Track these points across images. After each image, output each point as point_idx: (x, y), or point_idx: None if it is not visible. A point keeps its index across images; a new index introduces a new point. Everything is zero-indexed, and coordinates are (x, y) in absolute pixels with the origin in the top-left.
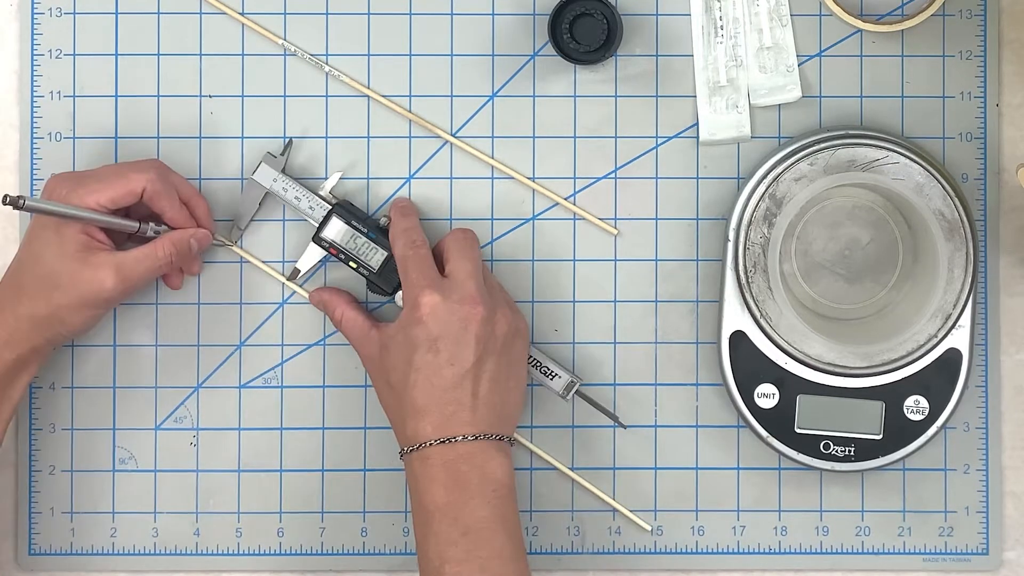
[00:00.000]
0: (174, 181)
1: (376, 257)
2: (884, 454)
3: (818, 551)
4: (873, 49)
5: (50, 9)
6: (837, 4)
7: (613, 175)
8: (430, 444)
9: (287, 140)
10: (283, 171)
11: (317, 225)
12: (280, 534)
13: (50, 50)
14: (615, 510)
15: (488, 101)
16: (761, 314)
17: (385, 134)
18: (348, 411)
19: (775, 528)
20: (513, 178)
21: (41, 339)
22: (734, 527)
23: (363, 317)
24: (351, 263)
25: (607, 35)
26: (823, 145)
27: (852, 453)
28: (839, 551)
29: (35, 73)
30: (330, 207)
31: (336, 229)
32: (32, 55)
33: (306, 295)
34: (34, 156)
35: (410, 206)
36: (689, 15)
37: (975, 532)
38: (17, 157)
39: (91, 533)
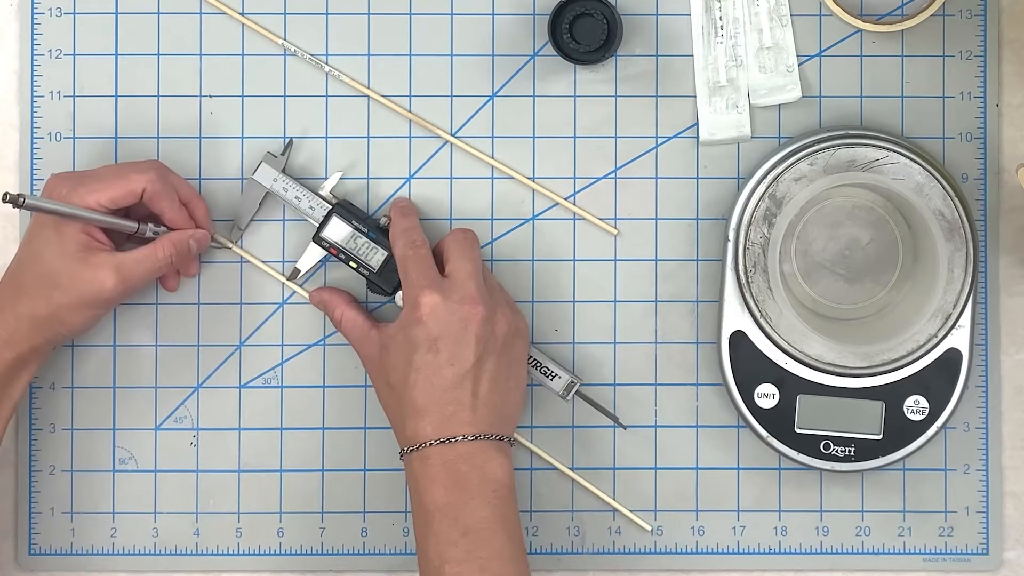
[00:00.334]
0: (174, 182)
1: (376, 257)
2: (884, 454)
3: (818, 551)
4: (873, 49)
5: (50, 9)
6: (837, 4)
7: (613, 175)
8: (430, 444)
9: (287, 140)
10: (283, 171)
11: (317, 225)
12: (280, 534)
13: (50, 50)
14: (615, 510)
15: (488, 101)
16: (761, 314)
17: (385, 134)
18: (348, 411)
19: (775, 528)
20: (513, 178)
21: (41, 339)
22: (734, 527)
23: (363, 317)
24: (351, 263)
25: (607, 35)
26: (823, 145)
27: (852, 453)
28: (839, 551)
29: (35, 73)
30: (330, 207)
31: (336, 229)
32: (32, 55)
33: (306, 295)
34: (34, 156)
35: (410, 206)
36: (689, 15)
37: (975, 532)
38: (17, 157)
39: (91, 533)
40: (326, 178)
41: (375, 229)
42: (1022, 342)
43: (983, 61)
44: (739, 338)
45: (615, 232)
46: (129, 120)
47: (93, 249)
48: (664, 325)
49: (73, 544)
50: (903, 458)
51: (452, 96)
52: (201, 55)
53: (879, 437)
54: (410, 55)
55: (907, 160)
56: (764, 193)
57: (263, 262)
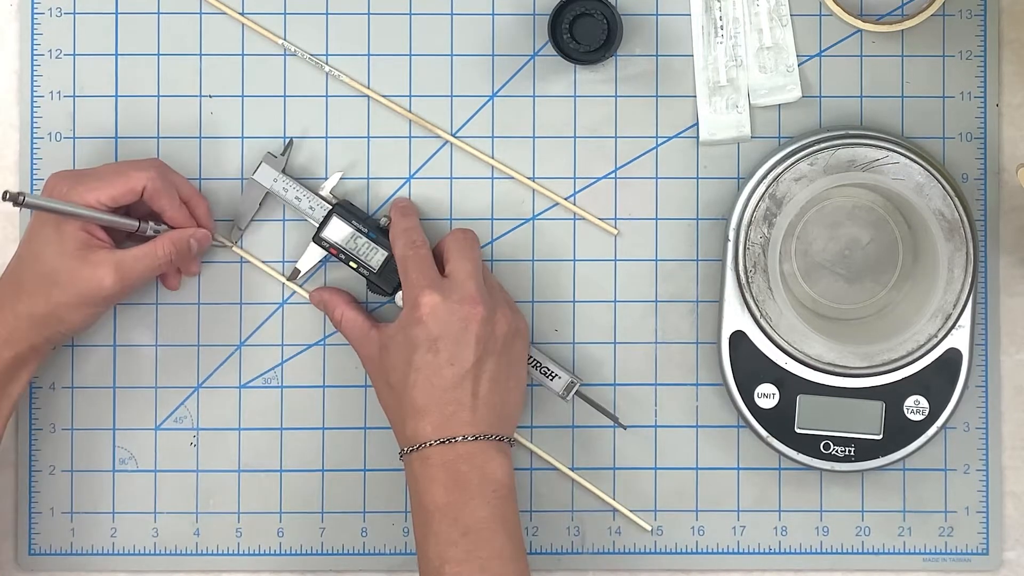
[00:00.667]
0: (174, 180)
1: (376, 257)
2: (884, 454)
3: (818, 551)
4: (873, 49)
5: (50, 9)
6: (837, 4)
7: (613, 175)
8: (430, 444)
9: (287, 140)
10: (283, 171)
11: (317, 225)
12: (280, 534)
13: (50, 50)
14: (615, 510)
15: (488, 101)
16: (761, 314)
17: (385, 134)
18: (348, 411)
19: (775, 528)
20: (513, 178)
21: (40, 337)
22: (734, 527)
23: (363, 317)
24: (351, 263)
25: (607, 35)
26: (823, 145)
27: (852, 453)
28: (839, 551)
29: (35, 73)
30: (330, 207)
31: (336, 229)
32: (32, 55)
33: (306, 295)
34: (34, 156)
35: (410, 206)
36: (689, 15)
37: (975, 532)
38: (17, 157)
39: (91, 533)
40: (326, 178)
41: (375, 229)
42: (1022, 342)
43: (983, 61)
44: (739, 338)
45: (615, 232)
46: (129, 120)
47: (92, 247)
48: (664, 325)
49: (73, 544)
50: (903, 458)
51: (452, 96)
52: (201, 55)
53: (879, 437)
54: (410, 55)
55: (907, 160)
56: (764, 193)
57: (263, 262)
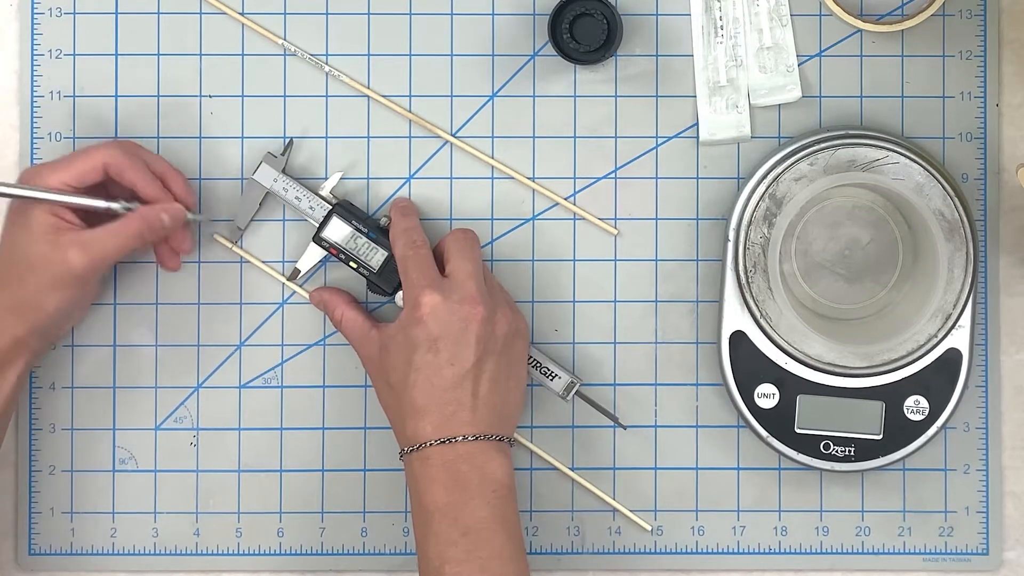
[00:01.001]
0: (143, 156)
1: (376, 257)
2: (884, 454)
3: (818, 551)
4: (873, 49)
5: (50, 9)
6: (837, 4)
7: (613, 175)
8: (430, 444)
9: (287, 140)
10: (283, 171)
11: (317, 225)
12: (280, 534)
13: (50, 50)
14: (615, 510)
15: (488, 101)
16: (761, 314)
17: (385, 134)
18: (348, 411)
19: (775, 528)
20: (513, 178)
21: (22, 329)
22: (734, 527)
23: (363, 317)
24: (351, 263)
25: (607, 35)
26: (823, 145)
27: (852, 453)
28: (839, 551)
29: (35, 73)
30: (330, 207)
31: (336, 229)
32: (32, 55)
33: (306, 295)
34: (34, 156)
35: (410, 206)
36: (689, 15)
37: (975, 532)
38: (17, 157)
39: (91, 533)
40: (326, 178)
41: (375, 229)
42: (1022, 342)
43: (983, 61)
44: (739, 338)
45: (615, 232)
46: (129, 120)
47: (61, 230)
48: (664, 325)
49: (73, 544)
50: (903, 458)
51: (452, 96)
52: (201, 55)
53: (879, 437)
54: (410, 55)
55: (907, 160)
56: (764, 193)
57: (263, 262)
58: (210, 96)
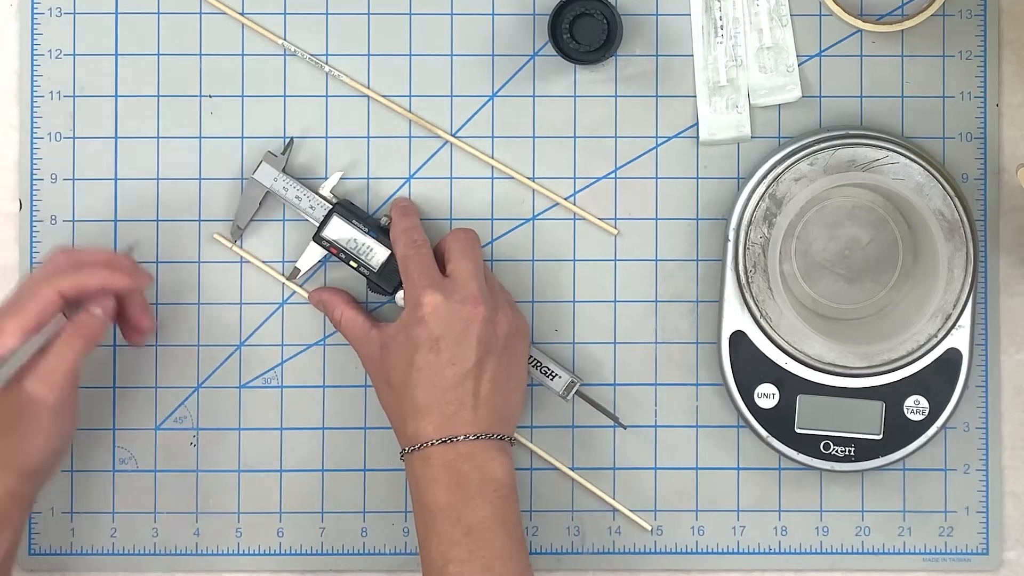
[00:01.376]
0: (80, 258)
1: (377, 257)
2: (884, 454)
3: (818, 551)
4: (873, 49)
5: (50, 9)
6: (837, 4)
7: (613, 175)
8: (431, 444)
9: (287, 140)
10: (283, 171)
11: (317, 225)
12: (280, 534)
13: (50, 50)
14: (615, 510)
15: (488, 101)
16: (761, 314)
17: (385, 134)
18: (348, 411)
19: (775, 528)
20: (513, 178)
21: (12, 480)
22: (734, 527)
23: (363, 317)
24: (351, 263)
25: (607, 35)
26: (823, 145)
27: (852, 453)
28: (839, 551)
29: (35, 73)
30: (331, 207)
31: (337, 229)
32: (32, 55)
33: (306, 295)
34: (34, 156)
35: (411, 206)
36: (689, 15)
37: (975, 532)
38: (17, 157)
39: (91, 533)
40: (326, 178)
41: (375, 229)
42: (1022, 342)
43: (983, 61)
44: (739, 338)
45: (615, 232)
46: (129, 120)
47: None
48: (664, 325)
49: (73, 544)
50: (903, 458)
51: (452, 96)
52: (201, 55)
53: (879, 437)
54: (410, 55)
55: (907, 160)
56: (764, 193)
57: (263, 262)
58: (210, 96)
